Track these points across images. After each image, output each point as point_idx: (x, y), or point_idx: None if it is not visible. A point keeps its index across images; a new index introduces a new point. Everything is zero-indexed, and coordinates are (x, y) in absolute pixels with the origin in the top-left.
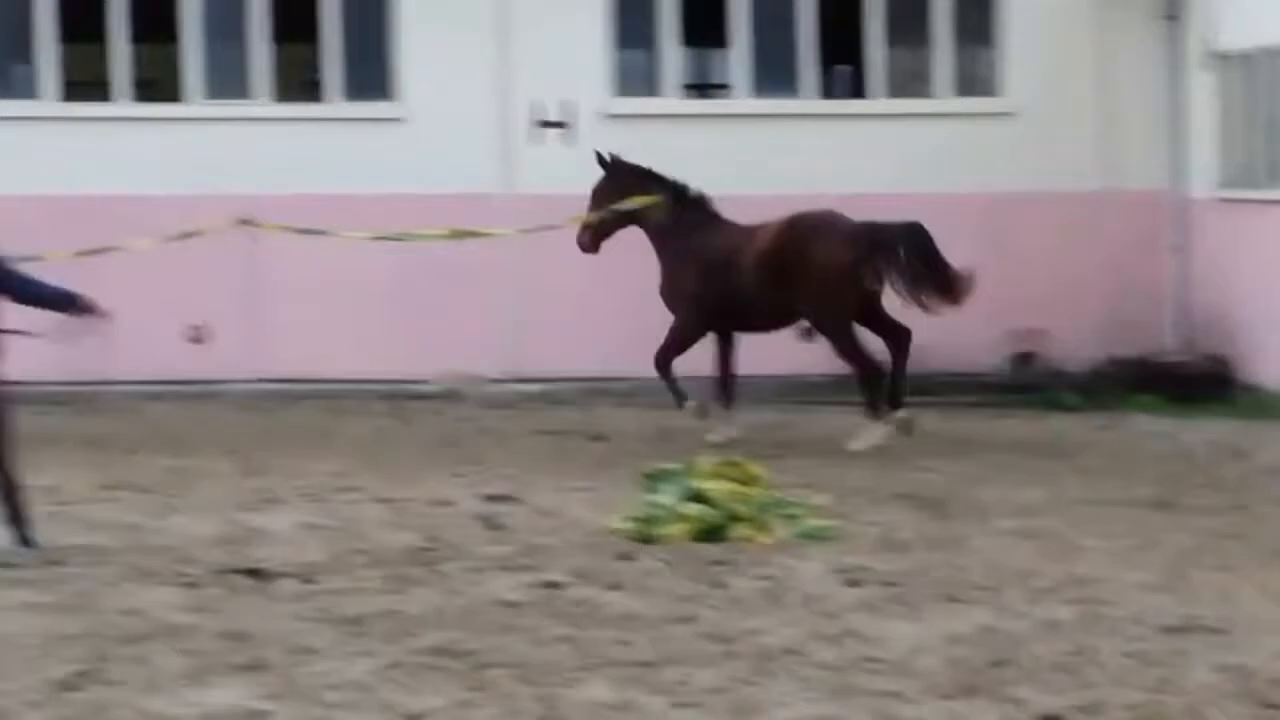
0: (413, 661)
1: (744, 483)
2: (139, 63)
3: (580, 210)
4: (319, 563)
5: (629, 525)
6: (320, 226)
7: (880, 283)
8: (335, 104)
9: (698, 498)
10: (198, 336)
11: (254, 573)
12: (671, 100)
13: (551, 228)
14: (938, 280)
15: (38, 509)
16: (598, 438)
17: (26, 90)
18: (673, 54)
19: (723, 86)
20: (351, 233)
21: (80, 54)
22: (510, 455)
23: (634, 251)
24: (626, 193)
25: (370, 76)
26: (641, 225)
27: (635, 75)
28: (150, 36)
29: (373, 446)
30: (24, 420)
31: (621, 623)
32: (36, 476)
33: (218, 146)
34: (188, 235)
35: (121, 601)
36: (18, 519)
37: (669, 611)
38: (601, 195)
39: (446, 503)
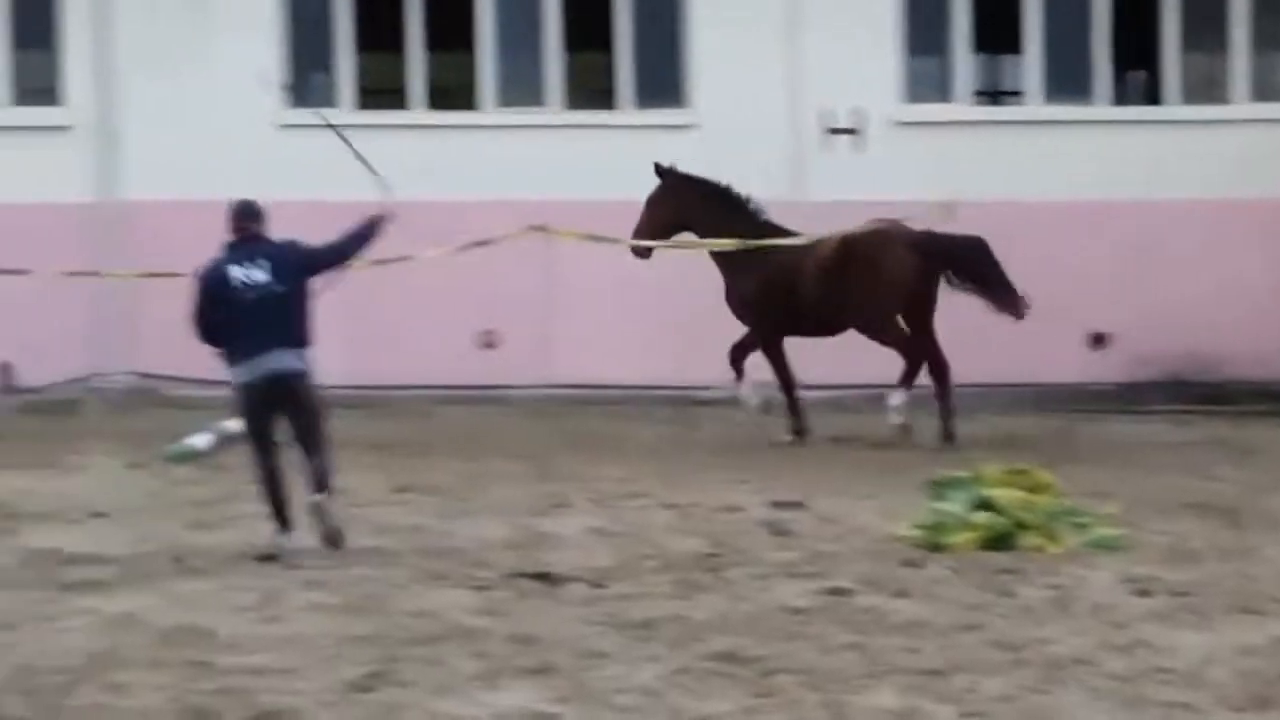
0: (700, 667)
1: (1033, 491)
2: (434, 71)
3: (873, 215)
4: (607, 567)
5: (916, 532)
6: (612, 234)
7: (935, 287)
8: (627, 111)
9: (986, 505)
10: (489, 342)
11: (543, 577)
12: (963, 106)
13: (831, 236)
14: (993, 293)
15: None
16: (884, 445)
17: (324, 99)
18: (965, 60)
19: (1015, 93)
20: (643, 240)
21: (377, 63)
22: (797, 462)
23: None
24: (682, 202)
25: (662, 84)
26: (697, 232)
27: (927, 82)
28: (446, 45)
29: (659, 452)
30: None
31: (909, 630)
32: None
33: (511, 154)
34: (481, 243)
35: (412, 603)
36: (325, 517)
37: (956, 619)
38: (656, 205)
39: (733, 509)
